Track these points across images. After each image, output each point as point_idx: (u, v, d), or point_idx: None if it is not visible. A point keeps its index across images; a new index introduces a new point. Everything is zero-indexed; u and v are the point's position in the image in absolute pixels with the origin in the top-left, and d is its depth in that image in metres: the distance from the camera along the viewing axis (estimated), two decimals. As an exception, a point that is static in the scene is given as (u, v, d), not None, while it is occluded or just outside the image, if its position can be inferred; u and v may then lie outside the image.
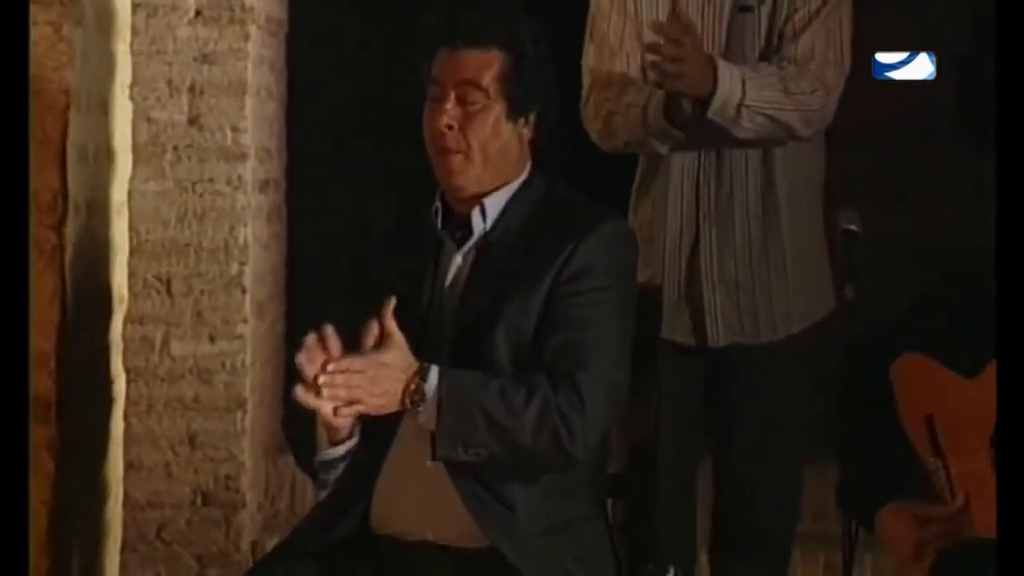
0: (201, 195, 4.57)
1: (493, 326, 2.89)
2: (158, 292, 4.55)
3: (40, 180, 3.85)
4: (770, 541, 3.64)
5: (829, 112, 3.55)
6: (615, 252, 2.95)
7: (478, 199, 2.97)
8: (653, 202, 3.62)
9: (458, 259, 2.98)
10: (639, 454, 3.10)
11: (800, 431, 3.62)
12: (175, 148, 4.56)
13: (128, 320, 4.53)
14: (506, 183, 2.98)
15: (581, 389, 2.83)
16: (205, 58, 4.56)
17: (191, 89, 4.56)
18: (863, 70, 3.66)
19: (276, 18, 4.83)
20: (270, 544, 4.55)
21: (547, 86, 3.00)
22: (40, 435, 3.87)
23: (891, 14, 4.51)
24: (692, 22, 3.45)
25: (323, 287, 4.92)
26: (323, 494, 2.99)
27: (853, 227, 3.13)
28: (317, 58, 5.14)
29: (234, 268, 4.57)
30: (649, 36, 3.42)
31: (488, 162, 2.94)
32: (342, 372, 2.75)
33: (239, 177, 4.58)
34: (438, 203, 3.01)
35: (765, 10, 3.54)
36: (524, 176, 3.01)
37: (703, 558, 3.76)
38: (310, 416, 2.93)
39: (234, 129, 4.58)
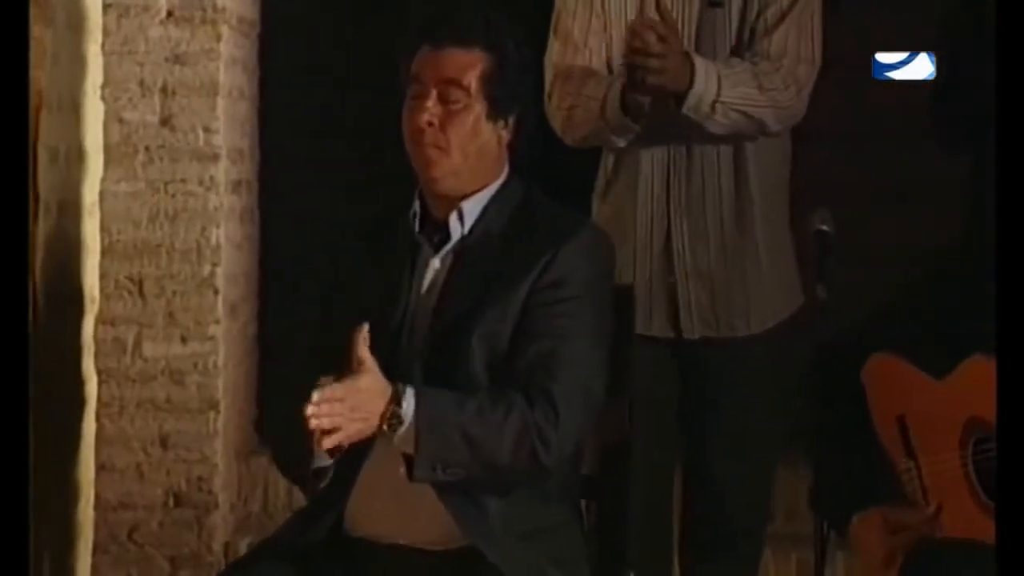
0: (173, 196, 4.56)
1: (469, 332, 2.89)
2: (130, 293, 4.54)
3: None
4: (742, 540, 3.64)
5: (801, 108, 3.56)
6: (593, 260, 2.95)
7: (455, 201, 2.97)
8: (621, 196, 3.62)
9: (435, 263, 2.98)
10: (612, 454, 3.10)
11: (773, 430, 3.63)
12: (147, 149, 4.55)
13: (100, 321, 4.52)
14: (484, 186, 2.98)
15: (556, 402, 2.84)
16: (177, 59, 4.55)
17: (163, 90, 4.55)
18: (839, 70, 3.68)
19: (248, 18, 4.82)
20: (243, 545, 4.56)
21: (528, 89, 3.01)
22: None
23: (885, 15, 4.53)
24: (674, 19, 3.47)
25: (296, 289, 4.91)
26: (312, 494, 3.00)
27: (825, 227, 3.14)
28: (289, 58, 5.13)
29: (206, 269, 4.57)
30: (638, 31, 3.42)
31: (466, 159, 2.94)
32: (327, 402, 2.75)
33: (211, 178, 4.57)
34: (416, 206, 3.01)
35: (736, 6, 3.55)
36: (502, 179, 3.01)
37: (674, 556, 3.76)
38: (290, 424, 2.93)
39: (206, 130, 4.57)
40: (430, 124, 2.92)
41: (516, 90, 2.96)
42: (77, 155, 4.39)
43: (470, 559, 2.85)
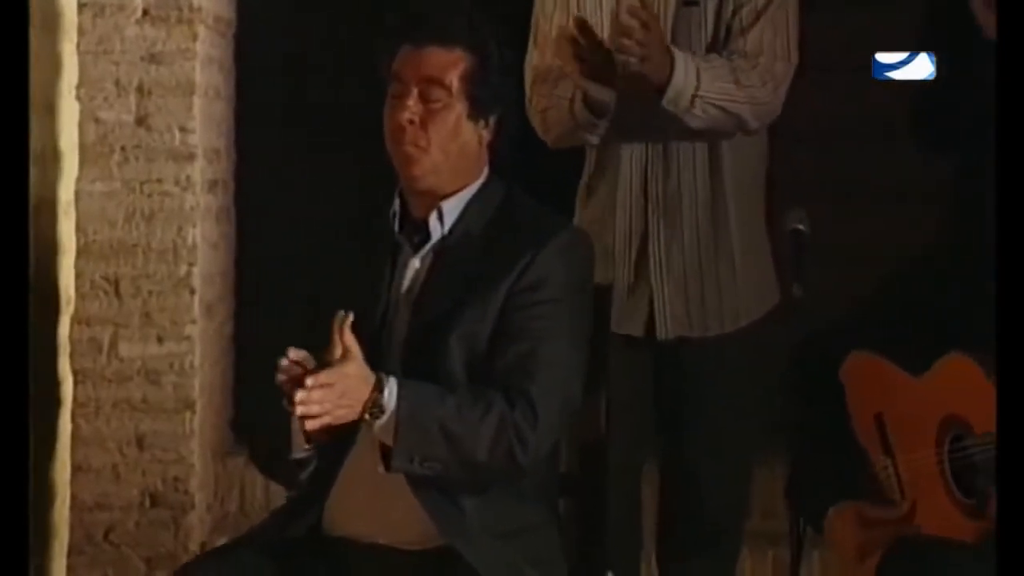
0: (149, 196, 4.55)
1: (448, 332, 2.89)
2: (106, 293, 4.53)
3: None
4: (718, 538, 3.65)
5: (777, 105, 3.58)
6: (573, 263, 2.96)
7: (435, 201, 2.97)
8: (602, 197, 3.63)
9: (415, 263, 2.98)
10: (589, 453, 3.11)
11: (749, 427, 3.63)
12: (122, 148, 4.54)
13: (75, 321, 4.51)
14: (464, 186, 2.99)
15: (535, 403, 2.84)
16: (153, 58, 4.54)
17: (139, 89, 4.54)
18: (815, 68, 3.69)
19: (225, 18, 4.81)
20: (219, 544, 4.54)
21: (509, 90, 3.01)
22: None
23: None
24: (655, 11, 3.48)
25: (273, 289, 4.91)
26: (292, 493, 3.00)
27: (801, 226, 3.14)
28: (266, 58, 5.13)
29: (182, 269, 4.56)
30: (624, 19, 3.44)
31: (447, 158, 2.94)
32: (319, 387, 2.75)
33: (187, 178, 4.56)
34: (396, 206, 3.01)
35: (711, 5, 3.56)
36: (482, 179, 3.01)
37: (651, 555, 3.77)
38: (266, 420, 2.93)
39: (182, 129, 4.56)
40: (411, 122, 2.93)
41: (497, 90, 2.96)
42: (52, 155, 4.38)
43: (448, 559, 2.85)
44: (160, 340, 4.54)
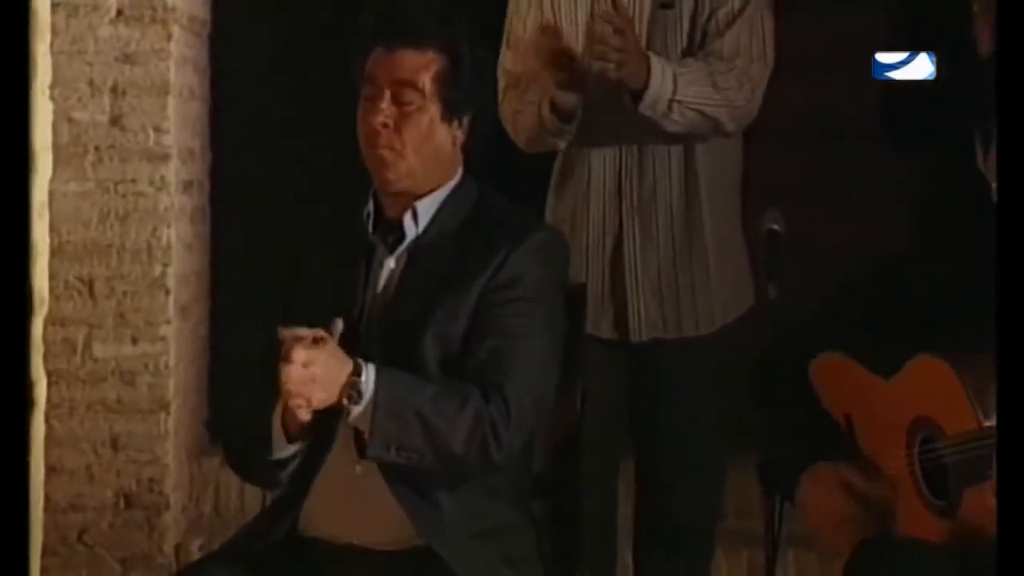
0: (123, 196, 4.54)
1: (423, 331, 2.90)
2: (80, 294, 4.52)
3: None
4: (693, 538, 3.66)
5: (754, 108, 3.58)
6: (547, 261, 2.96)
7: (410, 201, 2.97)
8: (574, 198, 3.63)
9: (390, 263, 2.98)
10: (563, 453, 3.11)
11: (723, 429, 3.64)
12: (96, 149, 4.53)
13: (49, 322, 4.50)
14: (438, 186, 2.99)
15: (509, 399, 2.84)
16: (127, 58, 4.53)
17: (113, 89, 4.54)
18: (792, 70, 3.69)
19: (199, 18, 4.81)
20: (194, 546, 4.55)
21: (482, 91, 3.02)
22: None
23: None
24: (630, 17, 3.48)
25: (248, 289, 4.89)
26: (273, 494, 3.00)
27: (776, 227, 3.15)
28: (241, 58, 5.12)
29: (157, 269, 4.55)
30: (597, 25, 3.44)
31: (421, 160, 2.94)
32: (300, 365, 2.75)
33: (162, 178, 4.56)
34: (370, 207, 3.01)
35: (686, 8, 3.57)
36: (456, 180, 3.01)
37: (626, 555, 3.77)
38: (243, 421, 2.93)
39: (156, 130, 4.56)
40: (384, 125, 2.93)
41: (470, 91, 2.96)
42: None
43: (424, 559, 2.85)
44: (134, 341, 4.54)
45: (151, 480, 4.55)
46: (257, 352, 2.92)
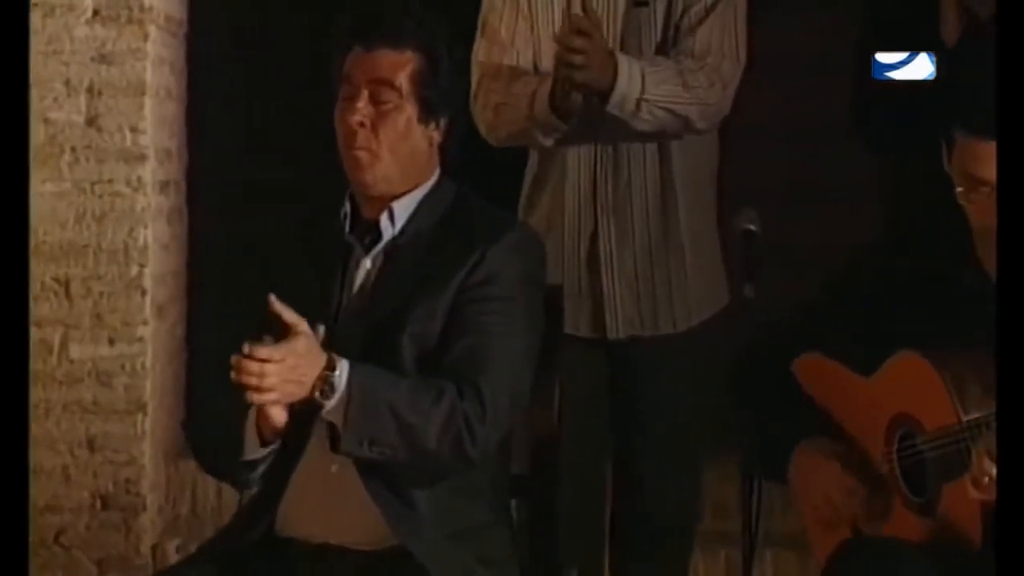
0: (100, 196, 4.53)
1: (399, 331, 2.89)
2: (56, 294, 4.51)
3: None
4: (671, 538, 3.66)
5: (726, 106, 3.59)
6: (523, 260, 2.96)
7: (386, 202, 2.97)
8: (549, 197, 3.64)
9: (367, 263, 2.98)
10: (542, 453, 3.11)
11: (700, 428, 3.65)
12: (73, 149, 4.52)
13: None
14: (415, 186, 2.99)
15: (484, 395, 2.84)
16: (103, 58, 4.52)
17: (89, 89, 4.53)
18: (766, 68, 3.70)
19: (176, 18, 4.80)
20: (171, 547, 4.54)
21: (459, 91, 3.02)
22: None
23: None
24: (598, 17, 3.48)
25: (225, 290, 4.89)
26: (247, 494, 2.99)
27: (752, 227, 3.15)
28: (218, 58, 5.11)
29: (134, 270, 4.54)
30: (563, 28, 3.45)
31: (397, 162, 2.94)
32: (259, 360, 2.74)
33: (139, 178, 4.55)
34: (347, 207, 3.01)
35: (660, 5, 3.57)
36: (433, 180, 3.01)
37: (605, 555, 3.77)
38: (216, 421, 2.92)
39: (133, 130, 4.55)
40: (362, 125, 2.92)
41: (447, 91, 2.96)
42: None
43: (401, 559, 2.85)
44: (111, 341, 4.53)
45: (128, 481, 4.54)
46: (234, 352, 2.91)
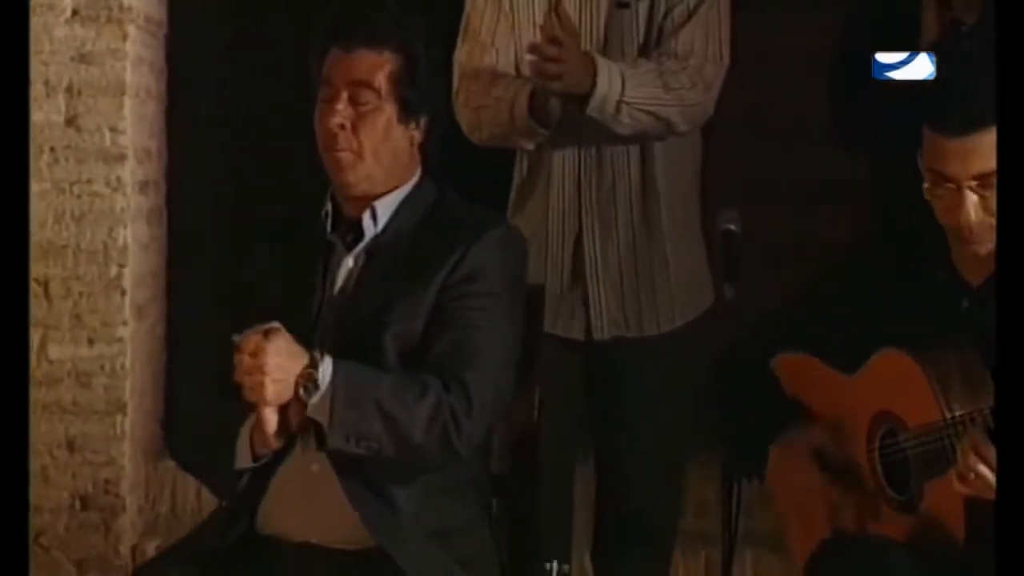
0: (79, 196, 4.52)
1: (382, 329, 2.89)
2: (36, 295, 4.49)
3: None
4: (652, 537, 3.66)
5: (708, 107, 3.59)
6: (505, 257, 2.96)
7: (368, 201, 2.97)
8: (535, 198, 3.64)
9: (348, 262, 2.98)
10: (521, 452, 3.11)
11: (682, 428, 3.65)
12: (52, 149, 4.51)
13: (4, 323, 4.47)
14: (397, 186, 2.98)
15: (470, 389, 2.84)
16: (83, 58, 4.51)
17: (68, 89, 4.52)
18: (748, 68, 3.70)
19: (155, 18, 4.79)
20: (150, 548, 4.53)
21: (439, 91, 3.02)
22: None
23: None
24: (573, 22, 3.48)
25: (205, 290, 4.89)
26: (224, 501, 2.99)
27: (732, 227, 3.16)
28: (197, 58, 5.10)
29: (113, 270, 4.53)
30: (539, 36, 3.45)
31: (379, 162, 2.94)
32: (249, 354, 2.74)
33: (118, 178, 4.54)
34: (328, 207, 3.00)
35: (643, 6, 3.57)
36: (415, 180, 3.01)
37: (585, 555, 3.78)
38: (196, 421, 2.91)
39: (112, 130, 4.54)
40: (342, 127, 2.92)
41: (427, 91, 2.96)
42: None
43: (381, 558, 2.85)
44: (91, 342, 4.52)
45: (107, 482, 4.53)
46: (213, 352, 2.91)
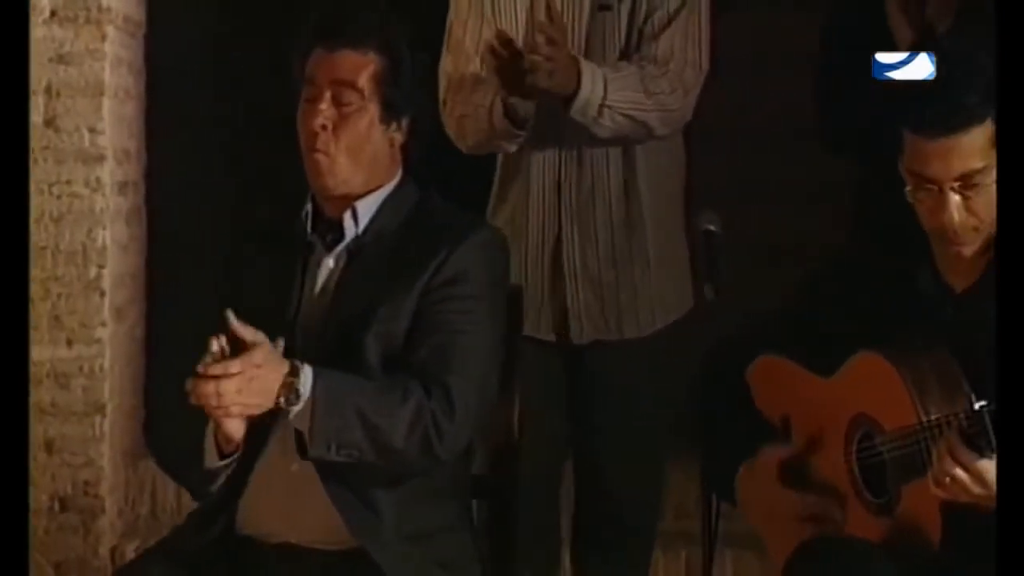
0: (59, 197, 4.51)
1: (364, 330, 2.89)
2: (14, 295, 4.48)
3: None
4: (632, 538, 3.67)
5: (687, 112, 3.60)
6: (487, 260, 2.96)
7: (349, 201, 2.96)
8: (514, 201, 3.64)
9: (329, 262, 2.98)
10: (502, 455, 3.11)
11: (662, 430, 3.65)
12: (31, 150, 4.50)
13: (-17, 324, 4.46)
14: (378, 187, 2.98)
15: (452, 394, 2.84)
16: (61, 59, 4.50)
17: (47, 90, 4.51)
18: (728, 71, 3.71)
19: (134, 18, 4.78)
20: (130, 550, 4.52)
21: (422, 91, 3.02)
22: None
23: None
24: (564, 23, 3.49)
25: (184, 291, 4.88)
26: (200, 502, 2.99)
27: (712, 227, 3.16)
28: (176, 59, 5.09)
29: (92, 271, 4.53)
30: (534, 35, 3.45)
31: (359, 164, 2.94)
32: (214, 378, 2.73)
33: (97, 179, 4.53)
34: (308, 206, 3.00)
35: (624, 10, 3.58)
36: (396, 181, 3.01)
37: (565, 556, 3.78)
38: (180, 426, 2.91)
39: (91, 131, 4.53)
40: (324, 127, 2.92)
41: (410, 92, 2.96)
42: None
43: (361, 558, 2.85)
44: (69, 343, 4.51)
45: (86, 483, 4.52)
46: (193, 353, 2.90)
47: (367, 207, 2.97)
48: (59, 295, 4.51)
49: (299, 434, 2.82)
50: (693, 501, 3.19)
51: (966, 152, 2.73)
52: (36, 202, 4.49)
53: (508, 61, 3.43)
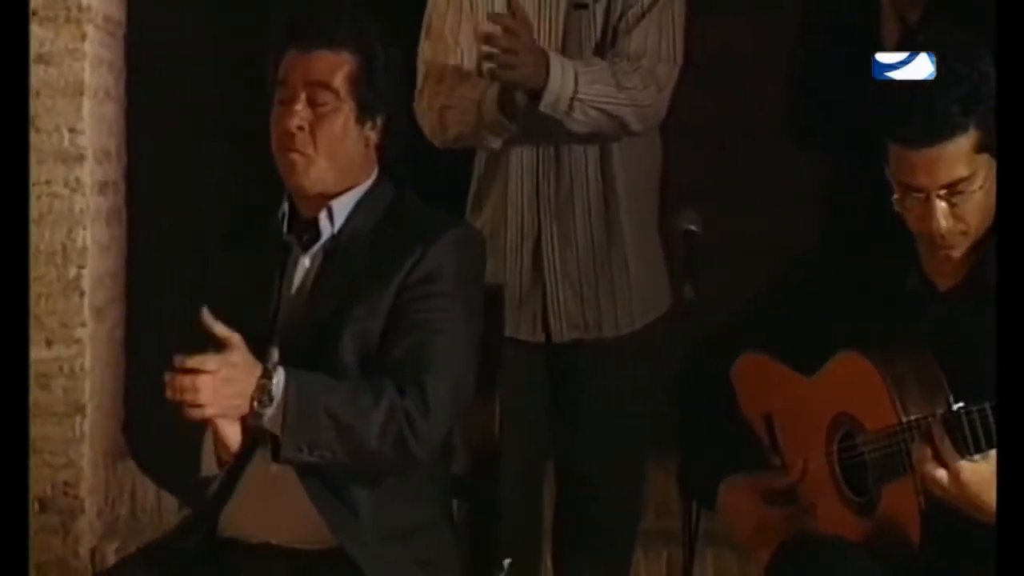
0: (38, 198, 4.50)
1: (340, 329, 2.89)
2: (-7, 296, 4.47)
3: None
4: (613, 538, 3.67)
5: (662, 108, 3.59)
6: (464, 257, 2.96)
7: (324, 201, 2.96)
8: (493, 200, 3.64)
9: (305, 262, 2.98)
10: (483, 454, 3.11)
11: (642, 429, 3.65)
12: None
13: (-38, 325, 4.45)
14: (354, 186, 2.98)
15: (427, 392, 2.84)
16: (41, 58, 4.49)
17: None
18: (704, 68, 3.70)
19: (114, 18, 4.78)
20: (110, 550, 4.51)
21: (397, 90, 3.02)
22: None
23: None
24: (527, 15, 3.48)
25: (165, 291, 4.87)
26: (187, 504, 2.99)
27: (692, 227, 3.17)
28: (157, 58, 5.09)
29: (72, 271, 4.52)
30: (485, 26, 3.45)
31: (334, 164, 2.94)
32: (190, 373, 2.72)
33: (77, 179, 4.52)
34: (285, 206, 3.00)
35: (600, 7, 3.58)
36: (372, 180, 3.01)
37: (546, 555, 3.78)
38: (158, 427, 2.91)
39: (71, 130, 4.52)
40: (300, 128, 2.92)
41: (385, 91, 2.96)
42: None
43: (342, 558, 2.85)
44: (49, 343, 4.50)
45: (66, 484, 4.51)
46: (173, 353, 2.90)
47: (343, 206, 2.97)
48: (39, 295, 4.50)
49: (273, 437, 2.81)
50: (674, 500, 3.19)
51: (951, 161, 2.74)
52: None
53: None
